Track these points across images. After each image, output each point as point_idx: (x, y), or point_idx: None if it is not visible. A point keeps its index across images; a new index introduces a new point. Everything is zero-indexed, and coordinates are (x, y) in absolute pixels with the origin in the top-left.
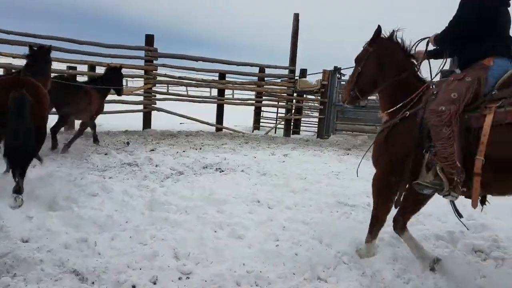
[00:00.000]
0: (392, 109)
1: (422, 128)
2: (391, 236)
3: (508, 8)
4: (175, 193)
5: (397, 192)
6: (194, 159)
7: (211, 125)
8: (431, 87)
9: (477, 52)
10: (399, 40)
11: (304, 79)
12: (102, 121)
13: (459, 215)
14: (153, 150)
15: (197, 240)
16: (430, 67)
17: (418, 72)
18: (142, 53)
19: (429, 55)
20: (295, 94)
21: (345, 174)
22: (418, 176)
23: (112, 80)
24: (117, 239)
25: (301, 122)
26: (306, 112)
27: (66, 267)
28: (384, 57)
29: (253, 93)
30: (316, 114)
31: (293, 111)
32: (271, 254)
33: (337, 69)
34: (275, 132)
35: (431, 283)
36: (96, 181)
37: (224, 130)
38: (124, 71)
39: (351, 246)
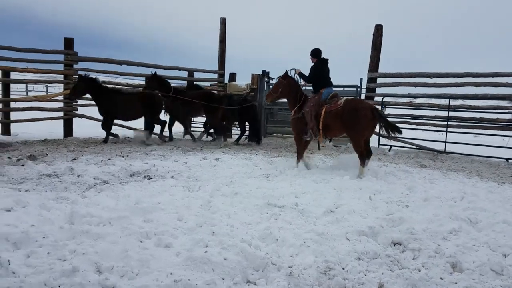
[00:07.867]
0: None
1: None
2: None
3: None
4: (97, 204)
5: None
6: (120, 167)
7: (141, 131)
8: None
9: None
10: (294, 77)
11: (234, 83)
12: (18, 130)
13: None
14: (75, 159)
15: (121, 253)
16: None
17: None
18: (61, 57)
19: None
20: None
21: (274, 176)
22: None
23: None
24: (33, 256)
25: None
26: None
27: None
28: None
29: None
30: None
31: None
32: (199, 261)
33: (265, 73)
34: (207, 137)
35: None
36: (10, 195)
37: (152, 136)
38: (42, 76)
39: (280, 247)
